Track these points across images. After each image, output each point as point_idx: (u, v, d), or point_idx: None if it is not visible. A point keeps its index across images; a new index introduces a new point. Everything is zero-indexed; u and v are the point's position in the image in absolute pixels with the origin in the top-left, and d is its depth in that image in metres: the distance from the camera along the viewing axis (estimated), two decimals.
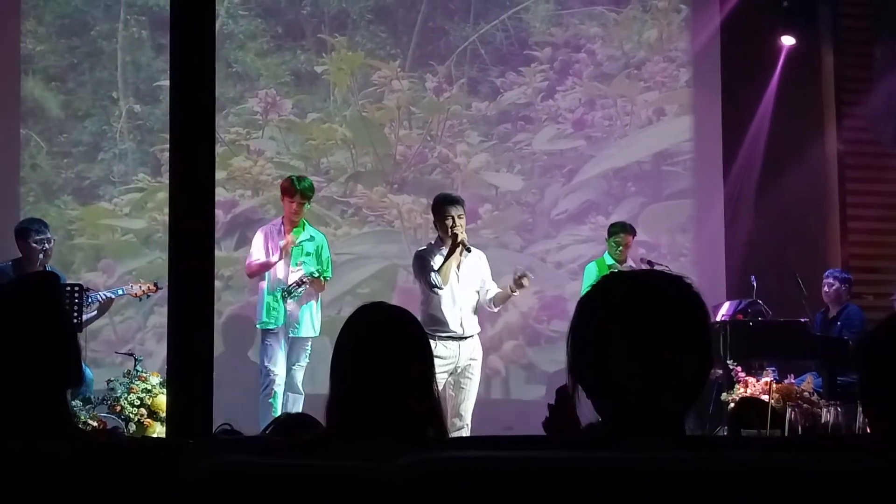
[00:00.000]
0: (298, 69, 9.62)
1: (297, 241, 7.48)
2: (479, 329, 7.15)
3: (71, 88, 9.44)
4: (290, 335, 7.41)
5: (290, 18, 9.67)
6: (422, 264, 7.00)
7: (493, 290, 7.14)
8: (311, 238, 7.58)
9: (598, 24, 9.92)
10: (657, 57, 9.92)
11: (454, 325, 6.87)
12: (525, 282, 7.01)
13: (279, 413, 7.20)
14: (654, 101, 9.90)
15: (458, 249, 6.94)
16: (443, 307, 6.90)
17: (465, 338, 6.93)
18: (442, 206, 7.05)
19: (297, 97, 9.61)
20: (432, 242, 7.17)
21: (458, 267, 6.99)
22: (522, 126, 9.77)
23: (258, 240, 7.62)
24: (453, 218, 6.95)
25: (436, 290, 6.89)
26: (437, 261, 6.95)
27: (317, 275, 7.41)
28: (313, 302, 7.51)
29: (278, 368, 7.37)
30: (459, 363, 6.89)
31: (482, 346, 6.88)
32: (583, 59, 9.85)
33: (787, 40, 9.75)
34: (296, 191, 7.46)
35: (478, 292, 7.10)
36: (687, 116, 9.90)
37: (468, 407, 6.89)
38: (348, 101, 9.66)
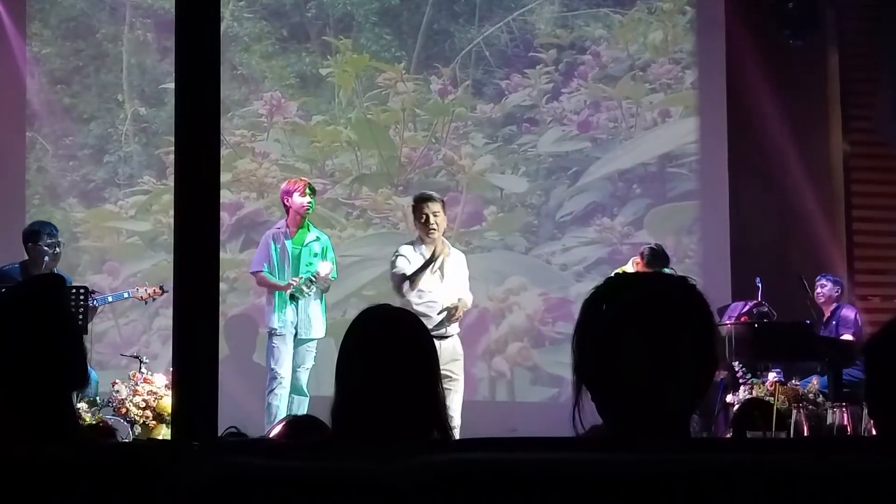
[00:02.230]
0: (303, 71, 9.63)
1: (304, 243, 7.48)
2: (458, 329, 7.11)
3: (76, 91, 9.46)
4: (298, 337, 7.41)
5: (294, 21, 9.68)
6: (396, 267, 7.01)
7: (464, 297, 7.12)
8: (317, 238, 7.59)
9: (602, 25, 9.91)
10: (662, 59, 9.91)
11: (435, 325, 6.77)
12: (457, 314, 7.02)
13: (280, 414, 7.22)
14: (660, 103, 9.89)
15: (436, 261, 6.95)
16: (425, 307, 6.86)
17: (446, 337, 6.89)
18: (417, 203, 7.06)
19: (302, 99, 9.62)
20: (412, 241, 7.16)
21: (442, 267, 6.99)
22: (527, 128, 9.76)
23: (264, 245, 7.62)
24: (428, 216, 6.97)
25: (407, 296, 6.91)
26: (414, 263, 6.95)
27: (329, 277, 7.41)
28: (319, 303, 7.51)
29: (284, 371, 7.38)
30: (441, 365, 6.81)
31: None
32: (588, 60, 9.84)
33: (793, 41, 9.74)
34: (303, 186, 7.48)
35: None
36: (692, 118, 9.89)
37: (456, 408, 6.83)
38: (353, 104, 9.66)
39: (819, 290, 8.72)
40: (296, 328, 7.39)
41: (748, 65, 9.69)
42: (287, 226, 7.56)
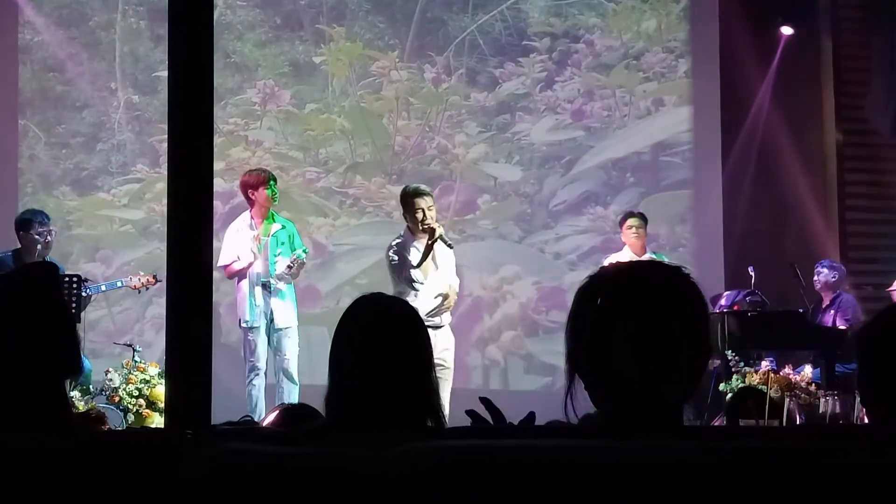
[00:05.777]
0: (297, 60, 9.61)
1: (271, 233, 7.50)
2: (451, 319, 7.10)
3: (69, 79, 9.44)
4: (271, 328, 7.44)
5: (288, 9, 9.66)
6: (400, 260, 6.93)
7: (453, 283, 7.11)
8: (283, 227, 7.60)
9: (596, 14, 9.90)
10: (656, 47, 9.91)
11: (430, 316, 6.73)
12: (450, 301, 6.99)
13: (260, 404, 7.29)
14: (653, 92, 9.90)
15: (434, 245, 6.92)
16: (421, 297, 6.86)
17: (439, 327, 6.88)
18: (412, 198, 6.99)
19: (296, 88, 9.60)
20: (402, 234, 7.10)
21: (435, 256, 6.97)
22: (521, 117, 9.76)
23: (229, 239, 7.61)
24: (423, 211, 6.90)
25: (416, 285, 6.85)
26: (413, 255, 6.91)
27: (303, 257, 7.43)
28: (289, 291, 7.52)
29: (261, 363, 7.42)
30: (435, 354, 6.77)
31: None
32: (581, 49, 9.84)
33: (786, 30, 9.75)
34: (266, 178, 7.52)
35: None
36: (685, 107, 9.89)
37: (446, 396, 6.81)
38: (347, 92, 9.65)
39: (817, 276, 8.68)
40: (269, 318, 7.41)
41: (741, 53, 9.70)
42: (252, 217, 7.57)
